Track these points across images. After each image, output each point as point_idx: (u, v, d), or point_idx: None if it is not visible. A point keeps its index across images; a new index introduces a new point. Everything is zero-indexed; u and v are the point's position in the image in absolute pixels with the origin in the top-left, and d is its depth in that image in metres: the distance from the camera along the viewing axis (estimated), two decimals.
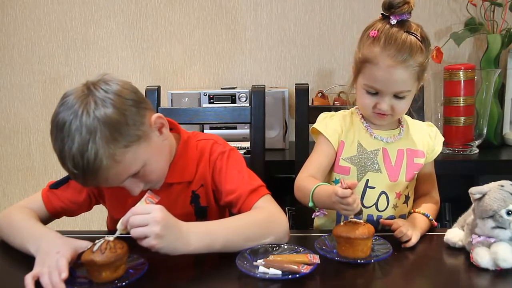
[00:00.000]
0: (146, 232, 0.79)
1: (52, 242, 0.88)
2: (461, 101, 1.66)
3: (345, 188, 0.88)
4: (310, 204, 1.00)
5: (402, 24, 1.04)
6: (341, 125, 1.15)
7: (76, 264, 0.85)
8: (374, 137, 1.14)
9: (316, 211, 1.00)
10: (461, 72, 1.64)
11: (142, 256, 0.88)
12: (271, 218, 0.97)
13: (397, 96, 1.06)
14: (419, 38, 1.03)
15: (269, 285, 0.80)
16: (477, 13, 1.87)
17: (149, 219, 0.80)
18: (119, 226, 0.83)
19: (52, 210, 1.06)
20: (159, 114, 0.96)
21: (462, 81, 1.65)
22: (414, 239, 0.97)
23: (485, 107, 1.72)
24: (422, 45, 1.03)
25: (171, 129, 1.08)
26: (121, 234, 0.83)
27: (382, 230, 1.09)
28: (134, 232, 0.80)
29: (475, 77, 1.67)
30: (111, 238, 0.83)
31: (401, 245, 0.96)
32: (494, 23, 1.82)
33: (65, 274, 0.79)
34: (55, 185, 1.07)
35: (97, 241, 0.83)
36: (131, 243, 0.83)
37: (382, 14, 1.07)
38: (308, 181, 1.06)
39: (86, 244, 0.85)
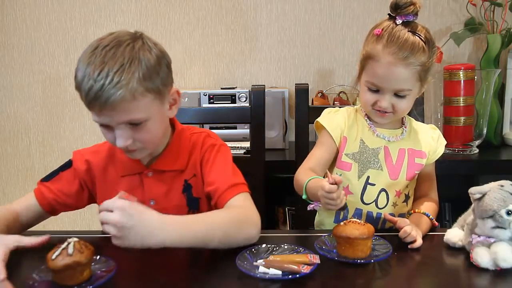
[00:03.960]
0: (109, 231, 0.79)
1: None
2: (461, 101, 1.66)
3: (332, 183, 0.90)
4: (304, 196, 1.02)
5: (407, 25, 1.06)
6: (345, 121, 1.16)
7: (42, 269, 0.83)
8: (377, 135, 1.14)
9: (310, 203, 1.00)
10: (461, 72, 1.64)
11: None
12: (243, 217, 0.96)
13: (397, 95, 1.07)
14: (422, 38, 1.04)
15: (269, 285, 0.80)
16: (477, 13, 1.87)
17: (109, 220, 0.80)
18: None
19: (45, 204, 1.06)
20: (179, 90, 1.02)
21: (462, 81, 1.65)
22: (420, 240, 0.97)
23: (485, 107, 1.72)
24: (425, 46, 1.04)
25: None
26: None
27: (382, 230, 1.09)
28: (100, 217, 0.81)
29: (475, 77, 1.67)
30: (71, 241, 0.81)
31: (408, 246, 0.96)
32: (494, 23, 1.82)
33: (2, 276, 0.78)
34: (46, 178, 1.08)
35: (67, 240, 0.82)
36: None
37: (389, 14, 1.09)
38: (304, 174, 1.08)
39: (15, 239, 0.86)
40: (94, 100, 0.88)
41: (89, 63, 0.88)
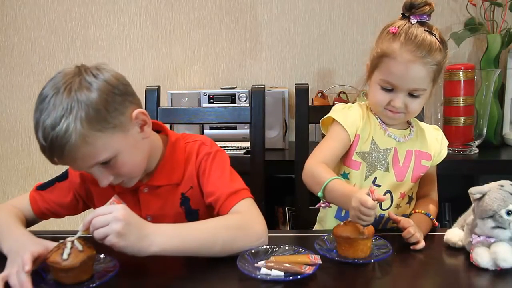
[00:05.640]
0: (107, 231, 0.78)
1: (24, 243, 0.87)
2: (461, 101, 1.66)
3: (374, 200, 0.85)
4: (320, 194, 0.99)
5: (422, 24, 1.06)
6: (360, 119, 1.13)
7: (45, 267, 0.84)
8: (388, 135, 1.13)
9: (322, 201, 0.99)
10: (461, 72, 1.64)
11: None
12: (244, 223, 0.94)
13: (412, 95, 1.06)
14: (438, 38, 1.04)
15: (271, 286, 0.80)
16: (477, 13, 1.87)
17: (110, 218, 0.79)
18: (80, 227, 0.82)
19: (38, 211, 1.06)
20: (142, 110, 0.95)
21: (462, 81, 1.65)
22: (423, 242, 0.97)
23: (485, 107, 1.72)
24: (441, 45, 1.04)
25: (159, 132, 1.08)
26: (83, 235, 0.82)
27: (382, 230, 1.10)
28: (96, 234, 0.79)
29: (475, 77, 1.67)
30: (74, 239, 0.82)
31: (410, 247, 0.96)
32: (494, 23, 1.82)
33: (28, 267, 0.78)
34: (42, 187, 1.08)
35: (65, 240, 0.82)
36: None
37: (402, 14, 1.08)
38: (323, 169, 1.02)
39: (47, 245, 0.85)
40: (51, 156, 0.87)
41: (37, 120, 0.86)
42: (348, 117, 1.13)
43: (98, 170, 0.91)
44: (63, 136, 0.83)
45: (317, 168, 1.04)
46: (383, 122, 1.14)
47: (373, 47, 1.10)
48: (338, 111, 1.15)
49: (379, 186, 1.12)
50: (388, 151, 1.12)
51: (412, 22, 1.05)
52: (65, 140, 0.83)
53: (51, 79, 0.89)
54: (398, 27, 1.05)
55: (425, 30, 1.04)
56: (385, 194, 1.13)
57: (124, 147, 0.91)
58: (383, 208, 1.13)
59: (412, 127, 1.17)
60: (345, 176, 1.14)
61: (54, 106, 0.84)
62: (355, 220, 0.88)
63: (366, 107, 1.17)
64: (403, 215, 1.13)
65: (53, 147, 0.84)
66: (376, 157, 1.12)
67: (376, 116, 1.15)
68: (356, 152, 1.12)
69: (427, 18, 1.06)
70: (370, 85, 1.13)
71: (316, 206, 1.00)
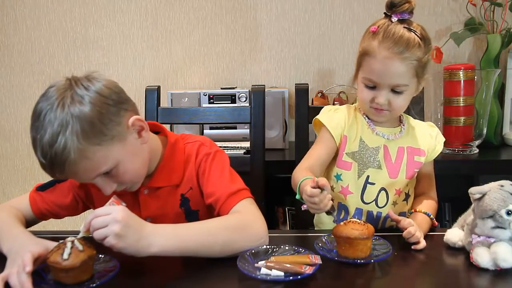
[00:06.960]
0: (106, 232, 0.79)
1: (24, 243, 0.88)
2: (461, 101, 1.66)
3: (315, 187, 0.89)
4: (297, 196, 1.01)
5: (403, 22, 1.07)
6: (345, 120, 1.16)
7: (45, 267, 0.84)
8: (376, 133, 1.14)
9: (304, 203, 1.00)
10: (461, 72, 1.64)
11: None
12: (244, 223, 0.94)
13: (394, 91, 1.07)
14: (418, 34, 1.06)
15: (271, 286, 0.80)
16: (477, 13, 1.87)
17: (109, 220, 0.79)
18: (81, 228, 0.82)
19: (38, 212, 1.06)
20: (138, 116, 0.94)
21: (462, 81, 1.65)
22: (423, 242, 0.97)
23: (485, 107, 1.72)
24: (421, 42, 1.06)
25: (158, 133, 1.08)
26: (84, 235, 0.82)
27: (382, 229, 1.10)
28: (96, 235, 0.80)
29: (475, 77, 1.67)
30: (74, 239, 0.82)
31: (411, 247, 0.96)
32: (494, 23, 1.82)
33: (29, 268, 0.79)
34: (42, 188, 1.08)
35: (65, 240, 0.82)
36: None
37: (384, 13, 1.10)
38: (301, 173, 1.07)
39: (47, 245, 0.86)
40: (52, 173, 0.87)
41: (34, 138, 0.85)
42: (333, 119, 1.17)
43: (101, 180, 0.92)
44: (61, 153, 0.83)
45: (297, 173, 1.08)
46: (371, 121, 1.16)
47: (358, 47, 1.13)
48: (324, 113, 1.19)
49: (373, 184, 1.13)
50: (378, 149, 1.14)
51: (393, 20, 1.07)
52: (65, 157, 0.83)
53: (44, 95, 0.87)
54: (378, 26, 1.08)
55: (404, 27, 1.06)
56: (379, 191, 1.14)
57: (124, 156, 0.91)
58: (379, 206, 1.14)
59: (403, 124, 1.18)
60: (338, 177, 1.15)
61: (50, 123, 0.83)
62: (311, 211, 0.93)
63: (355, 108, 1.20)
64: (400, 213, 1.14)
65: (53, 164, 0.84)
66: (366, 156, 1.13)
67: (365, 116, 1.17)
68: (346, 153, 1.14)
69: (408, 16, 1.08)
70: (357, 84, 1.15)
71: (302, 208, 1.00)
